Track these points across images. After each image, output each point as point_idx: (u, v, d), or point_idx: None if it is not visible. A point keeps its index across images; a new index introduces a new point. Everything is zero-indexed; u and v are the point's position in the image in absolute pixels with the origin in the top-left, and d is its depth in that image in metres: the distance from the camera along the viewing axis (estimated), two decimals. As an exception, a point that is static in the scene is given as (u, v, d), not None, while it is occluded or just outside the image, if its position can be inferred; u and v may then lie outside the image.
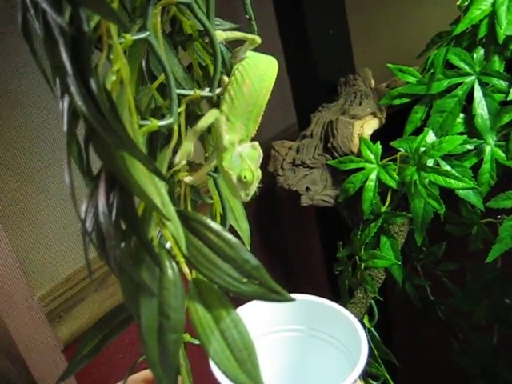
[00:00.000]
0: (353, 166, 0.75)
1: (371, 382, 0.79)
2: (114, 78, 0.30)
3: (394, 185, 0.72)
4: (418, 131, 0.73)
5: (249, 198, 0.39)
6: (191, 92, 0.38)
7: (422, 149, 0.70)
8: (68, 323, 0.81)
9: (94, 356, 0.38)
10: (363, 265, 0.74)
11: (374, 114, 0.79)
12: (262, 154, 0.38)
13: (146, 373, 0.45)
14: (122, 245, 0.31)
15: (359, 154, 0.76)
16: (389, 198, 0.73)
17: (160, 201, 0.30)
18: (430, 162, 0.71)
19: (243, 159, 0.37)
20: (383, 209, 0.73)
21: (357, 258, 0.76)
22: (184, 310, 0.31)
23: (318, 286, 1.01)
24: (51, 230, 0.76)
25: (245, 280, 0.31)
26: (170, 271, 0.31)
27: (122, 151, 0.28)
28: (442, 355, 0.94)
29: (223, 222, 0.42)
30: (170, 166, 0.41)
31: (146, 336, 0.30)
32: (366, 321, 0.77)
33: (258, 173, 0.38)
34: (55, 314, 0.79)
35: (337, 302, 0.79)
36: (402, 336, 1.08)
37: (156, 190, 0.30)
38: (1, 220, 0.69)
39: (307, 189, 0.79)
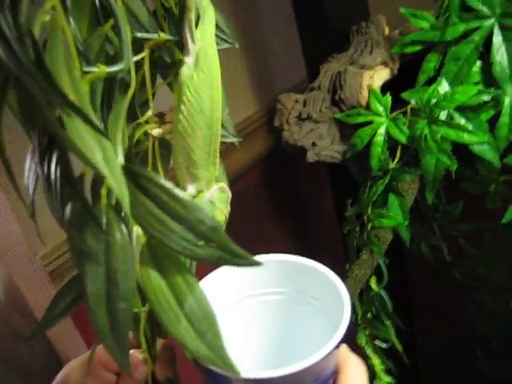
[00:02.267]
0: (361, 119, 0.70)
1: (379, 343, 0.77)
2: (47, 17, 0.27)
3: (403, 139, 0.67)
4: (432, 82, 0.68)
5: None
6: (154, 35, 0.34)
7: (434, 100, 0.64)
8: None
9: (66, 315, 0.36)
10: (370, 224, 0.70)
11: (385, 64, 0.73)
12: (230, 195, 0.39)
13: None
14: (68, 207, 0.28)
15: (368, 107, 0.71)
16: (398, 154, 0.69)
17: (102, 155, 0.26)
18: (444, 115, 0.65)
19: (213, 204, 0.38)
20: (392, 165, 0.68)
21: (364, 217, 0.72)
22: (135, 276, 0.28)
23: (331, 245, 0.98)
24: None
25: (200, 243, 0.28)
26: (117, 234, 0.28)
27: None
28: (459, 317, 0.91)
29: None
30: (136, 116, 0.38)
31: (92, 305, 0.28)
32: (373, 283, 0.73)
33: (228, 209, 0.39)
34: (58, 273, 0.78)
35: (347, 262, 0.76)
36: (420, 299, 1.05)
37: (97, 144, 0.26)
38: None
39: (313, 144, 0.74)
